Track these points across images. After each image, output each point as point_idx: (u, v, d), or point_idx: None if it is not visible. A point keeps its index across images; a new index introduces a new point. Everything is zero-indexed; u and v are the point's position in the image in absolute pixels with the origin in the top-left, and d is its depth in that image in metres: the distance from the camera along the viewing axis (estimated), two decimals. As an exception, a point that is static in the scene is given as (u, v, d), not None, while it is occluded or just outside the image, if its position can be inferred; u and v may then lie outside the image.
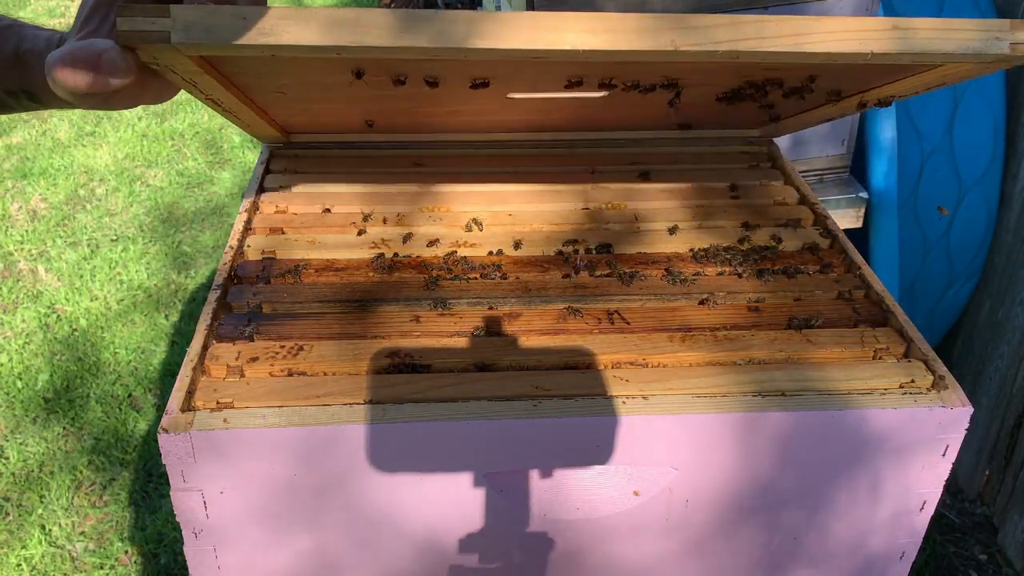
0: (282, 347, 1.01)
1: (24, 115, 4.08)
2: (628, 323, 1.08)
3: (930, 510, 1.05)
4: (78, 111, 4.12)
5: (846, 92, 1.18)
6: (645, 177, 1.41)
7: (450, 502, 0.98)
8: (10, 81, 0.82)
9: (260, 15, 0.72)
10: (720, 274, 1.19)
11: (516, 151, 1.48)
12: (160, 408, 2.47)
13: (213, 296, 1.09)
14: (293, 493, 0.95)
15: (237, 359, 0.99)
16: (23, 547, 2.06)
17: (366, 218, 1.27)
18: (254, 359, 0.99)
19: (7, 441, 2.35)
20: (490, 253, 1.22)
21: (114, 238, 3.21)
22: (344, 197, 1.33)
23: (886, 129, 2.02)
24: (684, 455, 0.97)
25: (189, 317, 2.84)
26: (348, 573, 1.03)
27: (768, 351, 1.03)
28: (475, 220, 1.28)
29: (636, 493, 1.00)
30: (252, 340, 1.03)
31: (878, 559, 1.09)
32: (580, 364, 1.02)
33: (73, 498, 2.20)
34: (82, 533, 2.11)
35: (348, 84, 1.04)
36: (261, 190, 1.35)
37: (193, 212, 3.41)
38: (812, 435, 0.97)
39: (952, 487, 2.32)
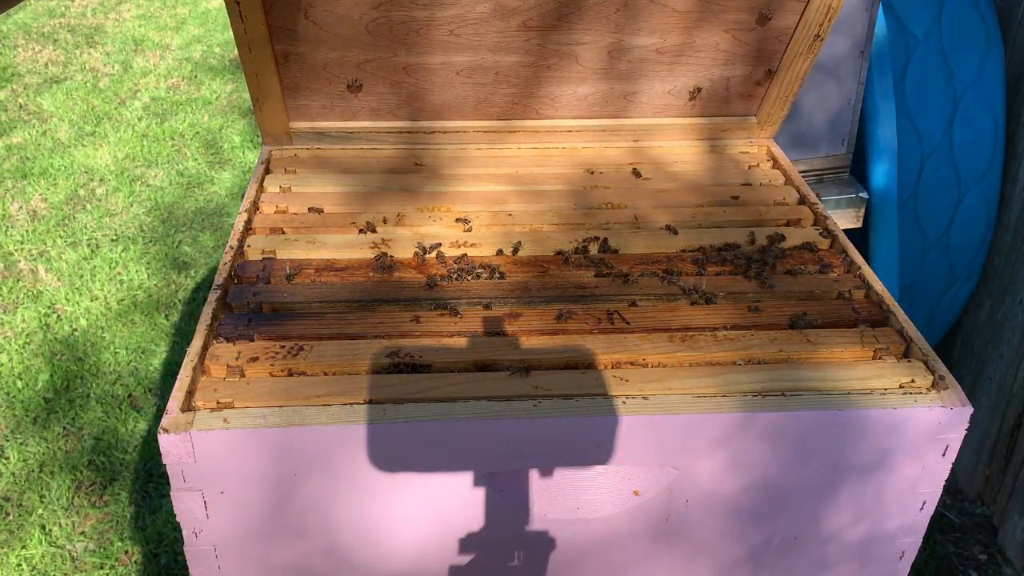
0: (282, 347, 1.01)
1: (24, 115, 4.08)
2: (628, 323, 1.08)
3: (930, 510, 1.05)
4: (78, 111, 4.11)
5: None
6: (645, 178, 1.41)
7: (450, 502, 0.98)
8: None
9: None
10: (720, 274, 1.19)
11: (516, 150, 1.48)
12: (160, 408, 2.47)
13: (213, 296, 1.09)
14: (293, 493, 0.95)
15: (237, 359, 0.99)
16: (23, 547, 2.06)
17: (366, 219, 1.27)
18: (254, 359, 0.99)
19: (7, 441, 2.35)
20: (490, 254, 1.22)
21: (114, 238, 3.21)
22: (344, 197, 1.33)
23: (886, 129, 2.02)
24: (684, 455, 0.97)
25: (189, 317, 2.84)
26: (348, 573, 1.03)
27: (768, 351, 1.03)
28: (475, 220, 1.28)
29: (636, 493, 1.00)
30: (252, 340, 1.03)
31: (878, 558, 1.09)
32: (580, 364, 1.02)
33: (73, 498, 2.20)
34: (82, 533, 2.11)
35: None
36: (261, 190, 1.35)
37: (193, 212, 3.41)
38: (812, 435, 0.97)
39: (952, 487, 2.32)
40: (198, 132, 4.02)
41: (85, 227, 3.28)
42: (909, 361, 1.03)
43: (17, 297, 2.90)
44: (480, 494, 0.98)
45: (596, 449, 0.96)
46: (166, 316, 2.84)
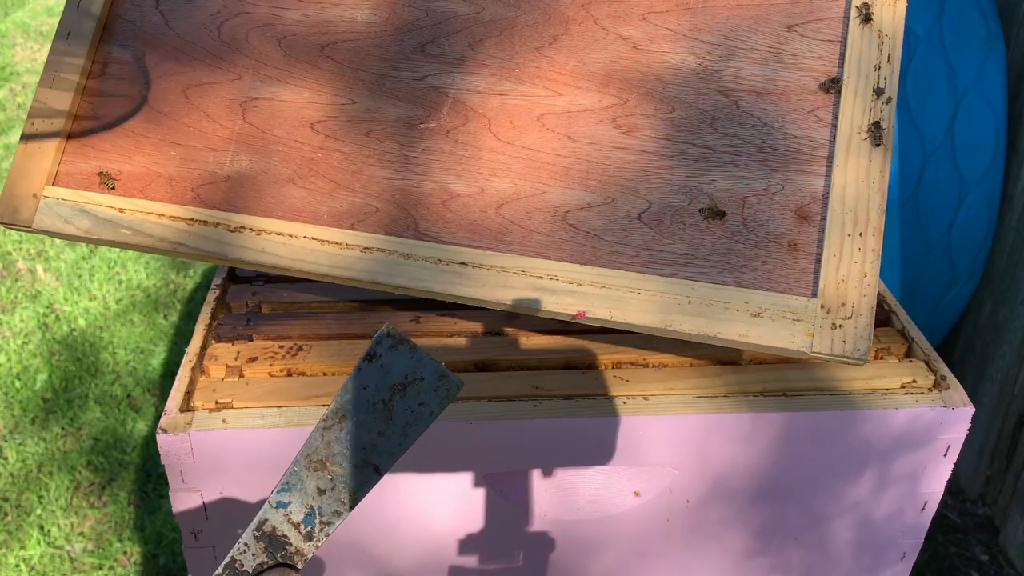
0: (281, 347, 1.01)
1: (22, 114, 4.07)
2: (629, 323, 1.08)
3: (931, 510, 1.05)
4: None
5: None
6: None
7: (450, 502, 0.98)
8: None
9: None
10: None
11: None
12: (159, 408, 2.47)
13: (212, 296, 1.08)
14: (292, 494, 0.95)
15: (236, 359, 0.99)
16: (22, 547, 2.06)
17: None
18: (253, 359, 0.99)
19: (5, 441, 2.35)
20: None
21: (113, 238, 3.21)
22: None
23: (887, 128, 2.01)
24: (685, 455, 0.97)
25: (189, 317, 2.83)
26: (345, 573, 1.03)
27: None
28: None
29: (637, 493, 1.00)
30: (251, 340, 1.03)
31: (879, 559, 1.09)
32: (581, 364, 1.01)
33: (72, 498, 2.20)
34: (81, 534, 2.11)
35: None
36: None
37: (192, 212, 3.41)
38: (813, 435, 0.97)
39: (953, 487, 2.31)
40: (197, 132, 4.02)
41: (84, 227, 3.28)
42: (911, 361, 1.03)
43: (15, 297, 2.90)
44: (480, 494, 0.98)
45: (596, 449, 0.95)
46: (165, 316, 2.84)
